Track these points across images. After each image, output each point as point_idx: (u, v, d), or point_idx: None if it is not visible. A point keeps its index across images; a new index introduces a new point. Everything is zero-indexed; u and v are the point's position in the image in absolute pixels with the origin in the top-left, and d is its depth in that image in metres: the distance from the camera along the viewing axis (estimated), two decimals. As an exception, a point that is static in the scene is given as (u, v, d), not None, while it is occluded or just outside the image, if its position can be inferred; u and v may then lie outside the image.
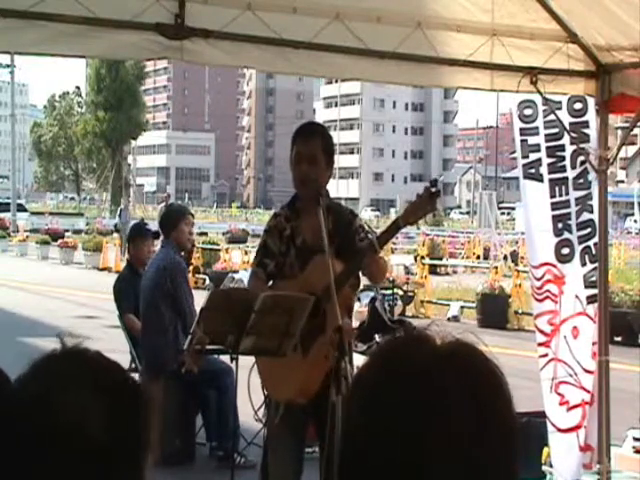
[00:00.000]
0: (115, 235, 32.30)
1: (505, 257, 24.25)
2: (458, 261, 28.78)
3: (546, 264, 5.18)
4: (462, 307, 17.43)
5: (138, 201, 57.33)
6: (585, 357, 5.08)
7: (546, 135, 5.19)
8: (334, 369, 3.82)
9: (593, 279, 5.07)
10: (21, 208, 50.64)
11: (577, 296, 5.12)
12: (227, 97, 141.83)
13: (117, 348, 6.86)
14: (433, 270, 21.94)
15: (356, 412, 1.06)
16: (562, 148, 5.18)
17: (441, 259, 26.96)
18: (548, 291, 5.16)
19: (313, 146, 4.33)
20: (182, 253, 7.18)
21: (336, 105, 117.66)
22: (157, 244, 7.59)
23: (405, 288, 17.16)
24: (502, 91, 4.79)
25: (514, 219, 52.26)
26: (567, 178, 5.17)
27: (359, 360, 6.94)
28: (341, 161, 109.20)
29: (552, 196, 5.17)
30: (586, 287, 5.11)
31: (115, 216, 35.22)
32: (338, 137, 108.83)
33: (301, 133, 4.42)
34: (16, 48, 3.97)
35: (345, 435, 1.07)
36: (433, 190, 4.13)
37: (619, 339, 13.51)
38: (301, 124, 4.58)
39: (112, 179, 62.36)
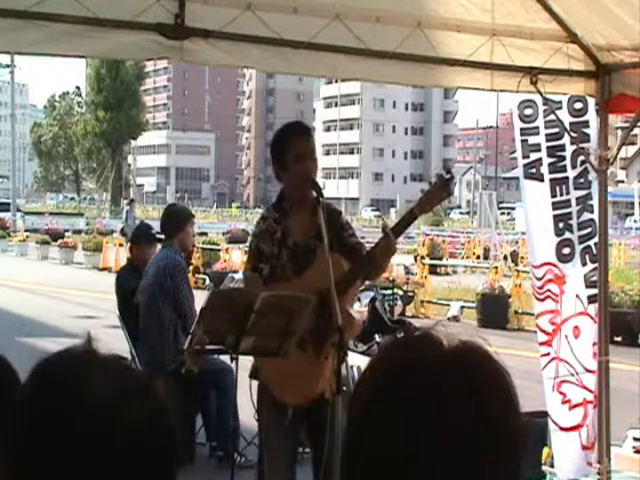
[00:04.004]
0: (115, 235, 32.26)
1: (505, 257, 24.27)
2: (458, 261, 28.79)
3: (547, 264, 5.17)
4: (462, 307, 17.43)
5: (138, 201, 57.36)
6: (586, 356, 5.08)
7: (546, 135, 5.19)
8: (336, 369, 3.81)
9: (594, 279, 5.07)
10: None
11: (578, 296, 5.12)
12: (227, 97, 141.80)
13: (117, 348, 6.85)
14: (433, 270, 21.93)
15: (359, 413, 1.06)
16: (562, 148, 5.18)
17: (441, 259, 26.95)
18: (549, 291, 5.16)
19: (310, 143, 4.38)
20: (182, 253, 7.16)
21: (336, 105, 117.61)
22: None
23: (405, 288, 17.15)
24: (502, 91, 4.78)
25: (514, 219, 52.22)
26: (568, 178, 5.17)
27: (358, 360, 6.95)
28: (341, 161, 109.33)
29: (553, 196, 5.17)
30: (587, 287, 5.11)
31: (122, 218, 35.05)
32: (338, 137, 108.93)
33: (296, 132, 4.38)
34: (16, 48, 3.97)
35: (349, 434, 1.07)
36: (447, 176, 4.12)
37: (619, 339, 13.49)
38: (288, 125, 4.49)
39: (112, 179, 62.53)
